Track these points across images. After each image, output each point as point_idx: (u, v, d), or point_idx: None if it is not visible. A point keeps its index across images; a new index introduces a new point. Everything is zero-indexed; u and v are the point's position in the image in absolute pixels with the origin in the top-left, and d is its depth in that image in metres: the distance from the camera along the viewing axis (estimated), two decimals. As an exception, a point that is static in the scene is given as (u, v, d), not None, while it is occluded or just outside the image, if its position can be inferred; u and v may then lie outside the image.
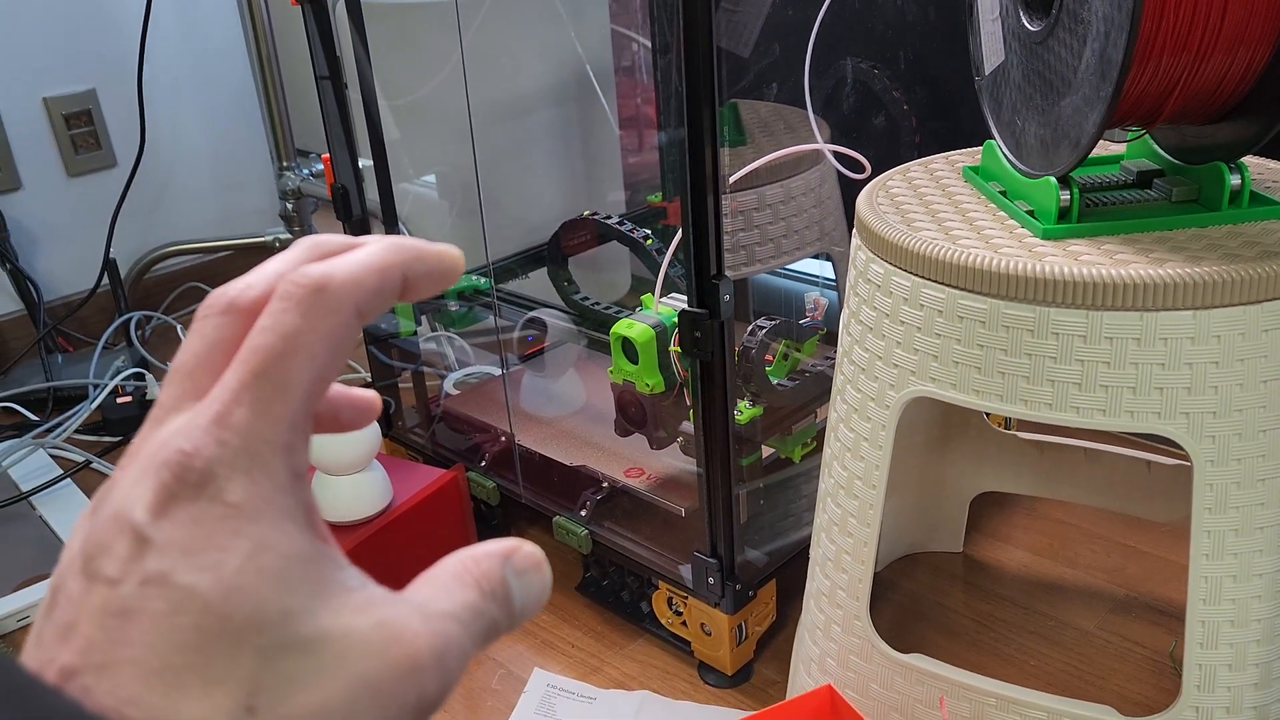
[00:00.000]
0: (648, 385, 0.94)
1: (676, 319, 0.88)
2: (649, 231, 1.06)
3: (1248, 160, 0.80)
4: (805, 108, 1.04)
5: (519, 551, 0.26)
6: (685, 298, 0.91)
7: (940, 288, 0.69)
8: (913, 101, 1.21)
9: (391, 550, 1.08)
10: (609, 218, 1.09)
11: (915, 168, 0.86)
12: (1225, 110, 0.68)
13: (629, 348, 0.93)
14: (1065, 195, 0.69)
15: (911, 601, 1.08)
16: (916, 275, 0.70)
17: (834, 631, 0.83)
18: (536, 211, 1.57)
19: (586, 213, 1.13)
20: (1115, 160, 0.80)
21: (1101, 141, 0.85)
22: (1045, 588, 1.09)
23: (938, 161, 0.87)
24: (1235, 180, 0.69)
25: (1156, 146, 0.77)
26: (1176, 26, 0.61)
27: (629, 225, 1.07)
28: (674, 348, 0.91)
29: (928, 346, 0.70)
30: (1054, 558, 1.13)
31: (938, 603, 1.08)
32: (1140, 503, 1.03)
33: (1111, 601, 1.06)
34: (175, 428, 0.23)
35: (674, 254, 0.92)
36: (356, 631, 0.22)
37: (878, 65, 1.20)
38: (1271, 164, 0.79)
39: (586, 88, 1.57)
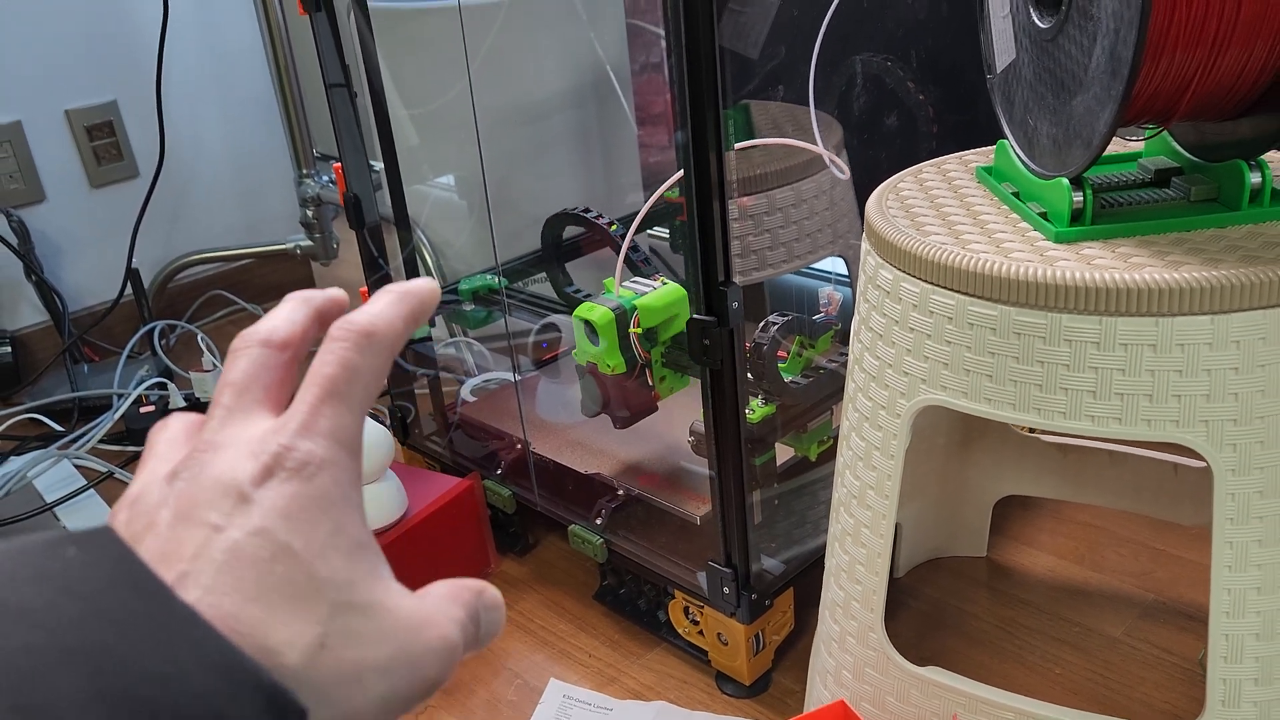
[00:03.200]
0: (609, 366, 0.96)
1: (635, 302, 0.92)
2: (615, 220, 1.07)
3: (1270, 157, 0.78)
4: (818, 107, 1.03)
5: (488, 590, 0.31)
6: (648, 282, 0.95)
7: (950, 294, 0.67)
8: (930, 96, 1.19)
9: (407, 560, 1.07)
10: (587, 210, 1.10)
11: (928, 168, 0.84)
12: (1244, 106, 0.66)
13: (590, 330, 0.94)
14: (1078, 197, 0.67)
15: (934, 608, 1.06)
16: (926, 281, 0.68)
17: (849, 643, 0.81)
18: (554, 211, 1.56)
19: (570, 208, 1.13)
20: (1133, 158, 0.78)
21: (1120, 138, 0.83)
22: (1071, 593, 1.06)
23: (951, 162, 0.85)
24: (1255, 178, 0.66)
25: (1175, 143, 0.74)
26: (1190, 20, 0.59)
27: (595, 213, 1.08)
28: (634, 329, 0.94)
29: (938, 354, 0.69)
30: (1080, 562, 1.11)
31: (961, 609, 1.06)
32: (1167, 506, 1.00)
33: (1139, 607, 1.03)
34: (265, 430, 0.28)
35: (633, 239, 0.98)
36: (402, 609, 0.28)
37: (892, 59, 1.18)
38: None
39: (605, 87, 1.56)
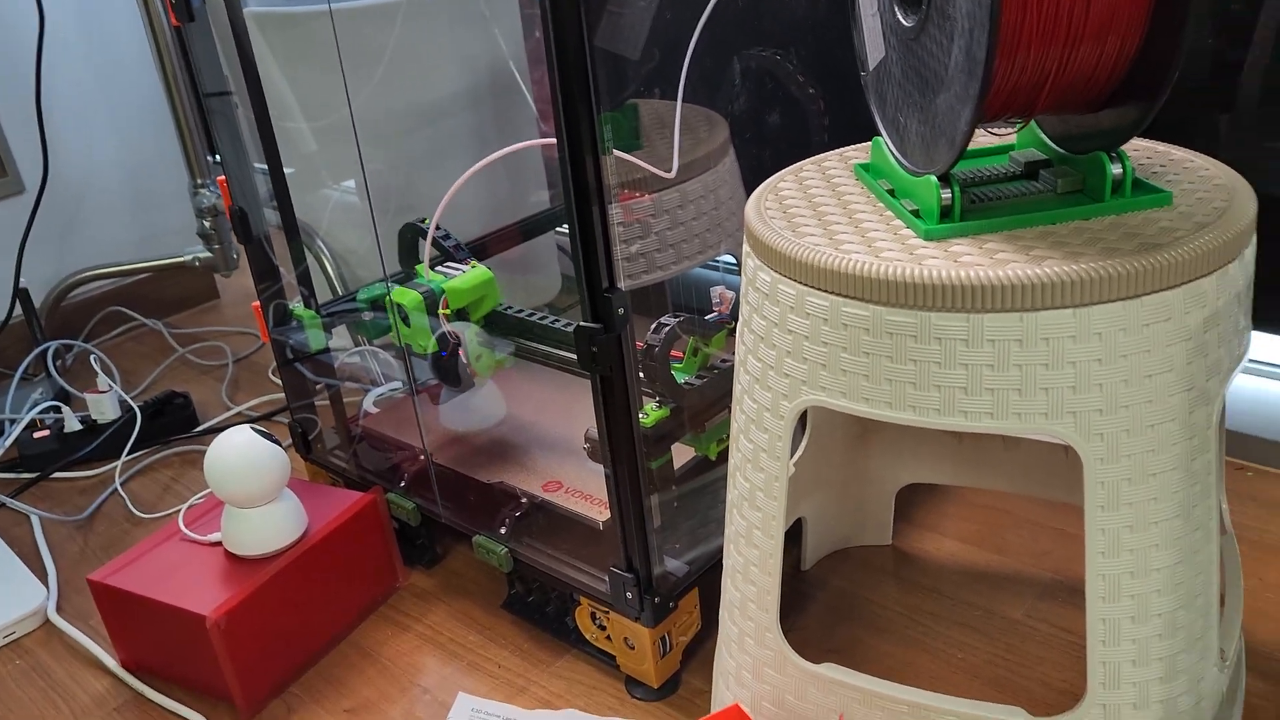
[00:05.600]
0: (422, 346, 1.00)
1: (444, 285, 0.98)
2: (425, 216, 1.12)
3: (1140, 145, 0.79)
4: (706, 104, 1.03)
5: None
6: (459, 266, 1.00)
7: (824, 295, 0.67)
8: (821, 90, 1.19)
9: (308, 580, 1.05)
10: (422, 221, 1.12)
11: (809, 166, 0.85)
12: (1105, 97, 0.67)
13: (403, 313, 1.01)
14: (946, 194, 0.68)
15: (840, 600, 1.07)
16: (801, 283, 0.68)
17: (747, 644, 0.81)
18: (460, 215, 1.54)
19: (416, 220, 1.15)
20: (1006, 150, 0.79)
21: (992, 132, 0.84)
22: (974, 577, 1.08)
23: (832, 159, 0.86)
24: (1116, 169, 0.67)
25: (1044, 135, 0.75)
26: (1041, 19, 0.60)
27: (420, 218, 1.13)
28: (444, 311, 0.99)
29: (816, 355, 0.69)
30: (983, 545, 1.13)
31: (867, 599, 1.07)
32: (1061, 488, 1.02)
33: (1039, 587, 1.05)
34: None
35: (437, 226, 1.04)
36: None
37: (781, 54, 1.19)
38: (1162, 147, 0.78)
39: (508, 82, 1.54)
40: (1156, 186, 0.69)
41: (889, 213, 0.73)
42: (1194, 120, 1.36)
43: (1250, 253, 0.67)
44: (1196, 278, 0.62)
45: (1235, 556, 0.85)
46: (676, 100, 1.00)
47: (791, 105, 1.15)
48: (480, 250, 1.32)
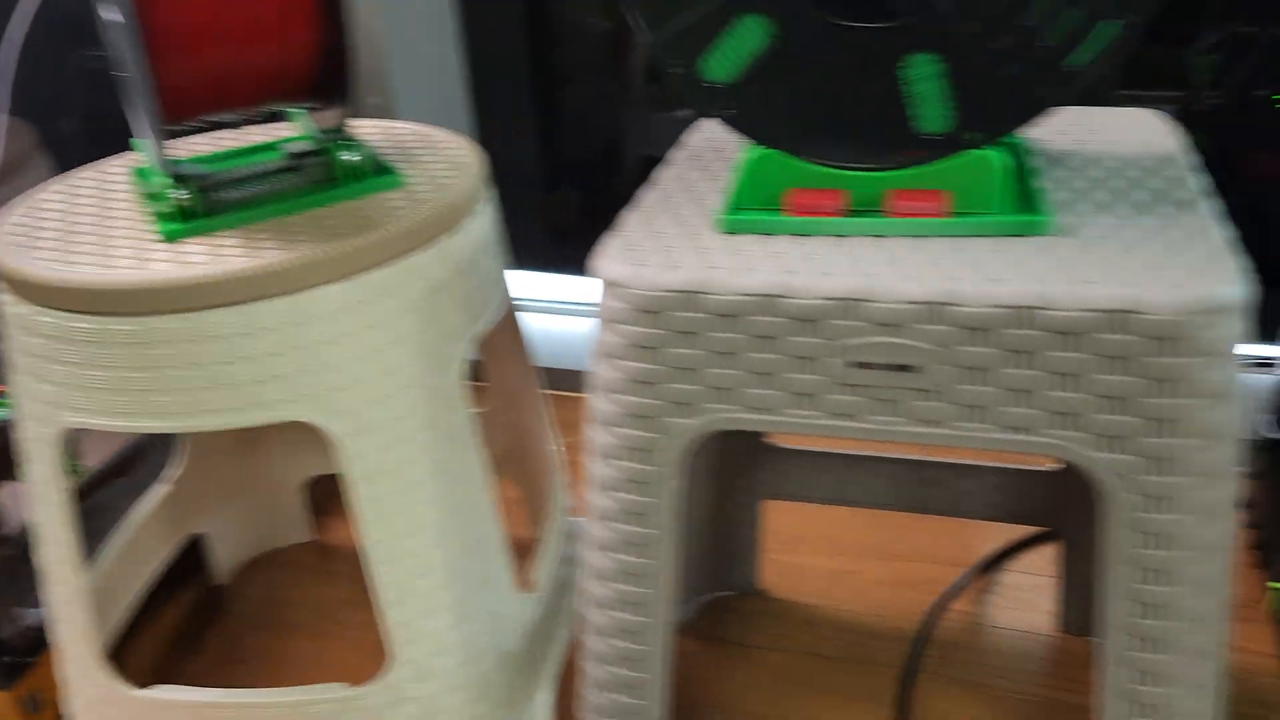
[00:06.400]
0: None
1: None
2: None
3: (405, 128, 0.83)
4: (21, 114, 0.94)
5: None
6: None
7: (54, 313, 0.64)
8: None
9: None
10: None
11: (87, 171, 0.80)
12: (311, 92, 0.69)
13: None
14: (180, 195, 0.67)
15: (256, 607, 1.05)
16: (31, 302, 0.65)
17: (81, 684, 0.77)
18: None
19: None
20: (277, 144, 0.79)
21: (279, 123, 0.85)
22: (390, 555, 1.11)
23: (115, 163, 0.82)
24: (346, 156, 0.70)
25: (314, 127, 0.77)
26: (191, 23, 0.60)
27: None
28: None
29: (61, 376, 0.65)
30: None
31: (287, 600, 1.06)
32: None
33: (446, 553, 1.10)
34: None
35: None
36: None
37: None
38: (428, 130, 0.83)
39: None
40: (391, 169, 0.73)
41: (149, 217, 0.71)
42: (593, 100, 1.49)
43: (477, 223, 0.73)
44: (411, 252, 0.67)
45: (557, 492, 0.93)
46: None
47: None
48: None
